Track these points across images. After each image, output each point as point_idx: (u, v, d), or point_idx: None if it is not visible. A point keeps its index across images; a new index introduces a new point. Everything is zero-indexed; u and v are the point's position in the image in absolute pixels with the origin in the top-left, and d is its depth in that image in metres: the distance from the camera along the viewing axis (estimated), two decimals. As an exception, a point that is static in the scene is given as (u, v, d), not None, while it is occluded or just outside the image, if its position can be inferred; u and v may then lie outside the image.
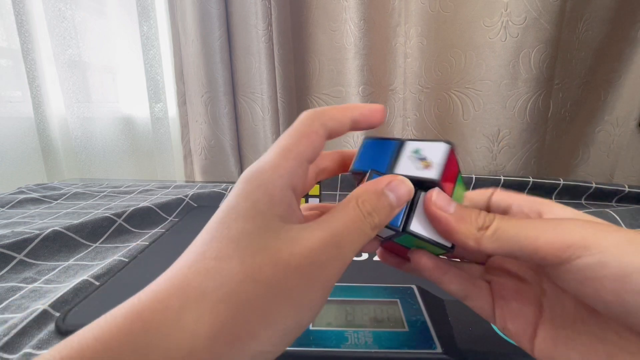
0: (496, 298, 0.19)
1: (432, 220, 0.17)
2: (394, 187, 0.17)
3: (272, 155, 0.16)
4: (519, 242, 0.15)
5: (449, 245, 0.18)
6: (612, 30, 0.72)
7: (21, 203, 0.61)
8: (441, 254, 0.20)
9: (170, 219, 0.55)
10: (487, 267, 0.21)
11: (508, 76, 0.69)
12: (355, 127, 0.18)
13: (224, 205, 0.15)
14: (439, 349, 0.22)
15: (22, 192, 0.66)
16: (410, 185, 0.17)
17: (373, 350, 0.22)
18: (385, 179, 0.17)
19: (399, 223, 0.18)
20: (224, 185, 0.68)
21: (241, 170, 0.88)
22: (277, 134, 0.80)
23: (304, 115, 0.17)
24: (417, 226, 0.18)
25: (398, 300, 0.27)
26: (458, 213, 0.17)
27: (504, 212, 0.20)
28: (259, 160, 0.16)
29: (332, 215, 0.15)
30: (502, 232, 0.16)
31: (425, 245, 0.19)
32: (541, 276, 0.18)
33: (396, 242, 0.19)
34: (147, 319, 0.12)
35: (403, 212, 0.18)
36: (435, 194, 0.17)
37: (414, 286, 0.29)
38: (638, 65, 0.73)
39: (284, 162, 0.15)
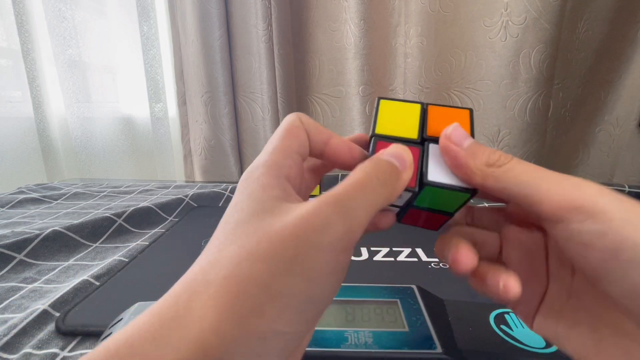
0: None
1: (445, 154, 0.17)
2: (396, 153, 0.17)
3: (262, 153, 0.16)
4: (526, 189, 0.15)
5: (470, 188, 0.17)
6: (612, 30, 0.72)
7: (21, 203, 0.61)
8: (463, 205, 0.18)
9: (170, 219, 0.55)
10: (501, 238, 0.20)
11: (508, 76, 0.69)
12: (329, 152, 0.18)
13: (228, 206, 0.15)
14: (439, 349, 0.22)
15: (22, 192, 0.66)
16: (408, 153, 0.17)
17: (373, 350, 0.22)
18: (385, 151, 0.17)
19: (415, 184, 0.17)
20: (224, 185, 0.68)
21: (241, 170, 0.88)
22: (277, 134, 0.80)
23: (287, 116, 0.18)
24: (434, 175, 0.17)
25: (398, 300, 0.27)
26: (471, 148, 0.17)
27: None
28: (254, 161, 0.17)
29: (334, 186, 0.15)
30: (512, 175, 0.16)
31: (446, 201, 0.18)
32: (550, 251, 0.18)
33: (416, 208, 0.19)
34: (162, 314, 0.12)
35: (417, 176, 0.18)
36: (452, 127, 0.17)
37: (414, 286, 0.29)
38: (638, 65, 0.73)
39: (272, 156, 0.16)
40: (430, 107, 0.19)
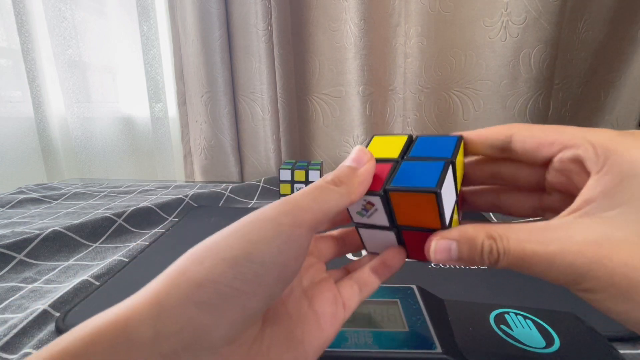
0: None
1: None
2: (357, 157, 0.19)
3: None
4: (529, 273, 0.15)
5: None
6: (612, 30, 0.72)
7: (21, 203, 0.61)
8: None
9: (170, 219, 0.55)
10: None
11: (508, 76, 0.69)
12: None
13: None
14: (439, 349, 0.22)
15: (22, 192, 0.66)
16: (370, 157, 0.19)
17: (373, 350, 0.22)
18: (349, 157, 0.19)
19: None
20: (223, 185, 0.68)
21: (241, 170, 0.88)
22: (277, 134, 0.80)
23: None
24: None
25: (398, 300, 0.27)
26: (462, 260, 0.17)
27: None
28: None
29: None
30: (511, 266, 0.16)
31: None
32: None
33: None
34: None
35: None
36: (433, 258, 0.17)
37: (414, 286, 0.29)
38: (638, 65, 0.73)
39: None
40: (392, 195, 0.18)
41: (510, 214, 0.22)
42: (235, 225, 0.15)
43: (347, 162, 0.18)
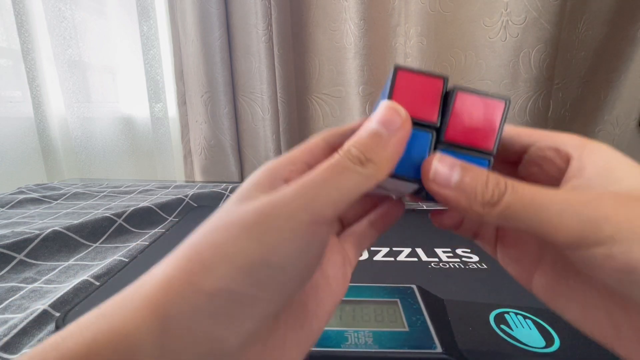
0: (498, 242, 0.20)
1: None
2: (386, 120, 0.15)
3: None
4: (530, 224, 0.14)
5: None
6: (612, 29, 0.72)
7: (21, 203, 0.61)
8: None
9: (170, 219, 0.55)
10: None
11: (508, 76, 0.69)
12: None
13: None
14: (439, 349, 0.22)
15: (22, 192, 0.66)
16: (403, 113, 0.15)
17: (373, 350, 0.22)
18: (373, 116, 0.15)
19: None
20: (224, 185, 0.68)
21: (241, 170, 0.88)
22: (277, 133, 0.80)
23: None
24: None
25: (398, 300, 0.27)
26: (460, 187, 0.15)
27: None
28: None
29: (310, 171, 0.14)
30: (512, 211, 0.14)
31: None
32: None
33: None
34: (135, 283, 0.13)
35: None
36: (434, 168, 0.15)
37: (414, 286, 0.29)
38: (638, 64, 0.73)
39: (275, 161, 0.16)
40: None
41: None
42: (245, 222, 0.13)
43: (374, 124, 0.15)
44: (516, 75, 0.68)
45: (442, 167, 0.15)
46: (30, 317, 0.28)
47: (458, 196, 0.15)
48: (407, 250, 0.41)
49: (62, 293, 0.32)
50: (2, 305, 0.32)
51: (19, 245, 0.40)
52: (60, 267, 0.39)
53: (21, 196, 0.63)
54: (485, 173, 0.15)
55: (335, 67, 0.78)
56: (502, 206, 0.14)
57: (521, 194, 0.14)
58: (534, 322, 0.25)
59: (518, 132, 0.18)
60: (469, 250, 0.40)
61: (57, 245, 0.43)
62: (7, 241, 0.40)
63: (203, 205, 0.60)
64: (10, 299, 0.33)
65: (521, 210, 0.14)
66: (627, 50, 0.73)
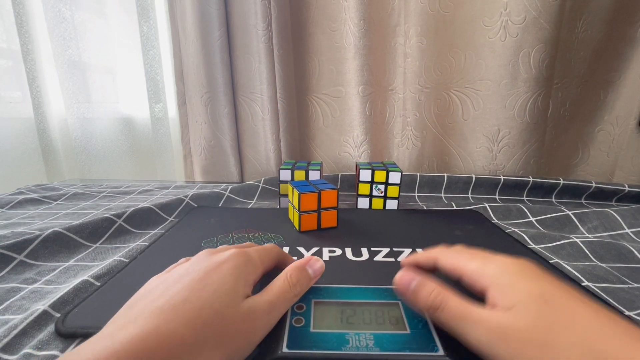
0: None
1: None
2: (312, 264, 0.28)
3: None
4: (454, 332, 0.22)
5: None
6: (612, 29, 0.72)
7: (21, 204, 0.61)
8: None
9: (170, 219, 0.55)
10: None
11: (508, 76, 0.69)
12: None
13: None
14: (440, 352, 0.22)
15: (21, 193, 0.66)
16: (322, 262, 0.28)
17: (374, 353, 0.22)
18: (306, 258, 0.28)
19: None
20: (223, 185, 0.68)
21: (241, 170, 0.88)
22: (277, 133, 0.80)
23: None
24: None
25: (399, 302, 0.27)
26: (414, 292, 0.25)
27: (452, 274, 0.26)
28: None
29: (270, 287, 0.25)
30: (444, 320, 0.23)
31: None
32: None
33: None
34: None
35: None
36: (399, 275, 0.26)
37: (414, 287, 0.29)
38: (638, 64, 0.73)
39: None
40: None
41: None
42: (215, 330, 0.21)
43: (305, 264, 0.28)
44: (516, 75, 0.68)
45: (404, 278, 0.26)
46: (31, 318, 0.28)
47: (414, 298, 0.25)
48: (407, 251, 0.41)
49: (62, 293, 0.32)
50: (2, 306, 0.32)
51: (19, 246, 0.40)
52: (61, 268, 0.39)
53: (21, 197, 0.63)
54: (432, 286, 0.24)
55: (335, 67, 0.78)
56: (439, 311, 0.23)
57: (451, 308, 0.22)
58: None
59: (446, 270, 0.26)
60: (469, 251, 0.40)
61: (57, 245, 0.43)
62: (7, 242, 0.40)
63: (203, 205, 0.60)
64: (11, 300, 0.33)
65: (450, 320, 0.22)
66: (627, 50, 0.73)
